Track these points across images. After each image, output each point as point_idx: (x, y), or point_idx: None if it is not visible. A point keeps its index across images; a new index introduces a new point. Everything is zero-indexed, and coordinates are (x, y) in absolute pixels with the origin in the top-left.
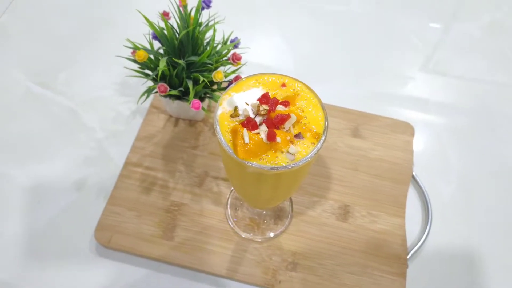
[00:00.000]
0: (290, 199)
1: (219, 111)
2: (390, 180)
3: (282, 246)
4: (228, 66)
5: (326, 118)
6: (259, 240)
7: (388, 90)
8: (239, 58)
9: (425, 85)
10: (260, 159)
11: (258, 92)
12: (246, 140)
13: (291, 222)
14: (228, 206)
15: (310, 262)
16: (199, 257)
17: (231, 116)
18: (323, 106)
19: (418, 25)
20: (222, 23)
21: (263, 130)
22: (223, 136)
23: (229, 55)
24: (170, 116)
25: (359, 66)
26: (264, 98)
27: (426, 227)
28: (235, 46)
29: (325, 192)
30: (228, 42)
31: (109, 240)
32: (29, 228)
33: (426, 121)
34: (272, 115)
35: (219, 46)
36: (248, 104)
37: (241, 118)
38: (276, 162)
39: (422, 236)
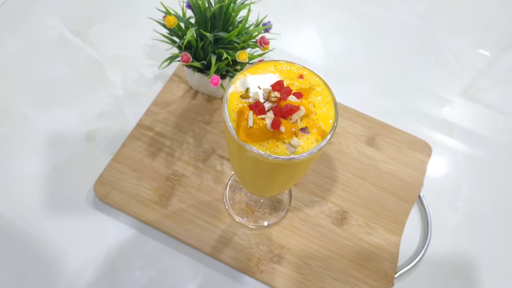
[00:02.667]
0: (290, 193)
1: (231, 90)
2: (395, 196)
3: (272, 237)
4: (256, 49)
5: (336, 118)
6: (251, 226)
7: (414, 106)
8: (266, 43)
9: (455, 108)
10: (260, 145)
11: (274, 78)
12: (250, 123)
13: (286, 215)
14: (227, 187)
15: (296, 259)
16: (188, 229)
17: (241, 96)
18: (336, 106)
19: (464, 49)
20: (258, 4)
21: (269, 116)
22: (229, 115)
23: (258, 38)
24: (191, 88)
25: (390, 76)
26: (278, 85)
27: (421, 250)
28: (266, 30)
29: (326, 193)
30: (260, 26)
31: (106, 194)
32: (36, 170)
33: (446, 144)
34: (282, 104)
35: (251, 27)
36: (260, 88)
37: (250, 100)
38: (275, 151)
39: (415, 259)
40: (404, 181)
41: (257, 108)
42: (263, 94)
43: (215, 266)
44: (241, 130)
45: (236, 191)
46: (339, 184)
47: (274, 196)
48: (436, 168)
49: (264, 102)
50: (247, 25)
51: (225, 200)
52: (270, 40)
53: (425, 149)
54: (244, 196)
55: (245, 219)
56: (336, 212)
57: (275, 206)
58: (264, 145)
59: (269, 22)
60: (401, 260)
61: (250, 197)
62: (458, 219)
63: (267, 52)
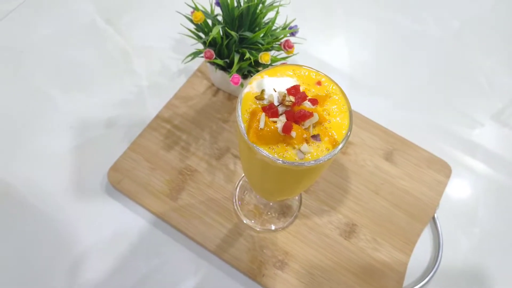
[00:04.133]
0: (300, 200)
1: (246, 89)
2: (408, 215)
3: (277, 242)
4: (281, 52)
5: (349, 128)
6: (258, 229)
7: (438, 123)
8: (290, 46)
9: (480, 130)
10: (269, 148)
11: (291, 82)
12: (261, 125)
13: (294, 222)
14: (238, 187)
15: (299, 267)
16: (194, 225)
17: (256, 97)
18: (351, 116)
19: (495, 71)
20: (286, 6)
21: (281, 120)
22: (242, 115)
23: (282, 41)
24: (212, 85)
25: (415, 91)
26: (294, 90)
27: (429, 273)
28: (292, 34)
29: (337, 204)
30: (287, 29)
31: (119, 182)
32: (55, 150)
33: (467, 166)
34: (296, 109)
35: (278, 30)
36: (275, 91)
37: (265, 102)
38: (284, 156)
39: (422, 281)
40: (419, 200)
41: (270, 110)
42: (278, 97)
43: (217, 264)
44: (251, 131)
45: (246, 192)
46: (351, 196)
47: (283, 201)
48: (454, 190)
49: (278, 105)
50: (273, 27)
51: (234, 200)
52: (295, 45)
53: (444, 169)
54: (254, 198)
55: (252, 221)
56: (345, 224)
57: (284, 211)
58: (273, 149)
59: (296, 26)
60: (407, 280)
61: (259, 199)
62: (472, 245)
63: (291, 56)
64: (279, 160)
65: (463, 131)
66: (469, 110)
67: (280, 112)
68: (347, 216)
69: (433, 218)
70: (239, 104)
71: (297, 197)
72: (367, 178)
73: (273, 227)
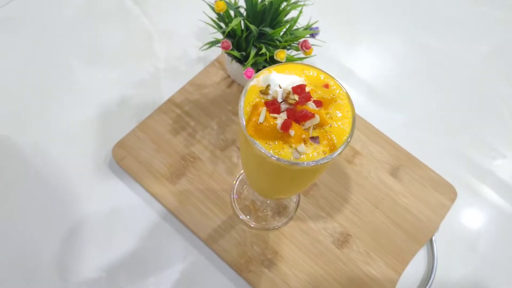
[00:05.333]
0: (298, 202)
1: (252, 83)
2: (406, 233)
3: (268, 240)
4: (299, 52)
5: (350, 135)
6: (251, 225)
7: (450, 146)
8: (308, 47)
9: (493, 158)
10: (266, 143)
11: (298, 81)
12: (261, 119)
13: (289, 223)
14: (238, 180)
15: (286, 268)
16: (189, 211)
17: (261, 92)
18: (354, 123)
19: None
20: (310, 8)
21: (281, 117)
22: (244, 107)
23: (300, 40)
24: (228, 76)
25: (432, 110)
26: (299, 89)
27: None
28: (312, 35)
29: (334, 212)
30: (308, 30)
31: (123, 158)
32: (66, 120)
33: (476, 193)
34: (298, 108)
35: (300, 29)
36: (280, 88)
37: (268, 97)
38: (279, 153)
39: None
40: (419, 220)
41: (272, 106)
42: (282, 94)
43: (206, 254)
44: (251, 124)
45: (245, 186)
46: (350, 206)
47: (280, 200)
48: (457, 215)
49: (281, 102)
50: (295, 27)
51: (232, 193)
52: (314, 47)
53: (450, 193)
54: (252, 193)
55: (247, 216)
56: (339, 233)
57: (280, 211)
58: (270, 144)
59: (317, 28)
60: None
61: (257, 195)
62: (466, 273)
63: (308, 57)
64: (273, 156)
65: (475, 157)
66: (484, 137)
67: (282, 109)
68: (342, 225)
69: (431, 240)
70: (243, 95)
71: (294, 199)
72: (369, 191)
73: (266, 225)
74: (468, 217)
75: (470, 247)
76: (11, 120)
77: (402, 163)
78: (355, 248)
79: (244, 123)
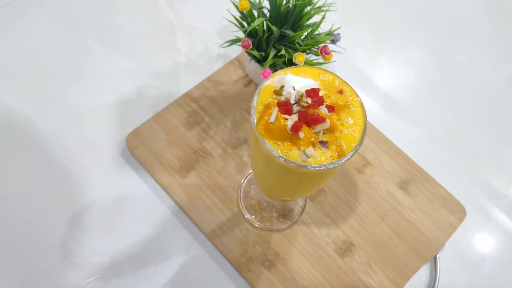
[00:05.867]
0: (304, 206)
1: (267, 82)
2: (410, 248)
3: (271, 242)
4: (318, 57)
5: (360, 143)
6: (256, 224)
7: (463, 164)
8: (327, 53)
9: (507, 180)
10: (275, 143)
11: (312, 84)
12: (272, 118)
13: (293, 227)
14: (246, 179)
15: (286, 271)
16: (196, 205)
17: (274, 92)
18: (365, 131)
19: None
20: (333, 13)
21: (292, 118)
22: (256, 106)
23: (320, 45)
24: (246, 75)
25: (450, 127)
26: (313, 92)
27: None
28: (333, 41)
29: (340, 220)
30: (330, 36)
31: (135, 147)
32: (83, 104)
33: (486, 214)
34: (310, 111)
35: (322, 34)
36: (294, 89)
37: (282, 98)
38: (287, 154)
39: None
40: (424, 237)
41: (284, 107)
42: (295, 96)
43: (208, 249)
44: (261, 123)
45: (252, 186)
46: (356, 216)
47: (286, 203)
48: (465, 235)
49: (294, 104)
50: (317, 32)
51: (239, 191)
52: (334, 53)
53: (459, 212)
54: (258, 193)
55: (252, 216)
56: (342, 242)
57: (285, 213)
58: (279, 145)
59: (338, 34)
60: None
61: (263, 196)
62: None
63: (326, 63)
64: (281, 157)
65: (490, 180)
66: (499, 158)
67: (293, 111)
68: (346, 234)
69: (435, 257)
70: (256, 94)
71: (300, 203)
72: (376, 202)
73: (270, 226)
74: (475, 239)
75: (475, 270)
76: (31, 100)
77: (412, 177)
78: (357, 258)
79: (255, 121)
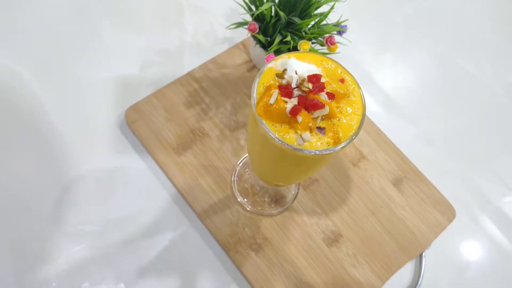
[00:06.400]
0: (296, 194)
1: (270, 65)
2: (397, 244)
3: (260, 226)
4: (323, 48)
5: (356, 133)
6: (247, 208)
7: (460, 169)
8: (333, 43)
9: (498, 188)
10: (273, 125)
11: (315, 70)
12: (272, 100)
13: (284, 213)
14: (241, 163)
15: (273, 256)
16: (189, 183)
17: (277, 75)
18: (363, 121)
19: None
20: (342, 4)
21: (292, 102)
22: (258, 87)
23: (326, 35)
24: (250, 60)
25: (449, 130)
26: (314, 78)
27: None
28: (339, 32)
29: (331, 210)
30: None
31: (134, 121)
32: (87, 76)
33: (475, 219)
34: (310, 96)
35: (328, 25)
36: (296, 74)
37: (283, 81)
38: (283, 137)
39: None
40: (412, 234)
41: (285, 90)
42: (297, 80)
43: (198, 227)
44: (261, 103)
45: (247, 169)
46: (347, 208)
47: (279, 188)
48: (452, 237)
49: (295, 88)
50: (324, 22)
51: (233, 173)
52: (340, 45)
53: (449, 213)
54: (252, 177)
55: (245, 199)
56: (331, 232)
57: (277, 199)
58: (276, 126)
59: (345, 26)
60: None
61: (257, 180)
62: None
63: (331, 54)
64: (277, 138)
65: (484, 187)
66: (499, 171)
67: (294, 95)
68: (336, 224)
69: (421, 255)
70: (258, 75)
71: (293, 191)
72: (368, 196)
73: (262, 211)
74: (462, 242)
75: (458, 271)
76: (35, 68)
77: (406, 175)
78: (344, 249)
79: (255, 102)
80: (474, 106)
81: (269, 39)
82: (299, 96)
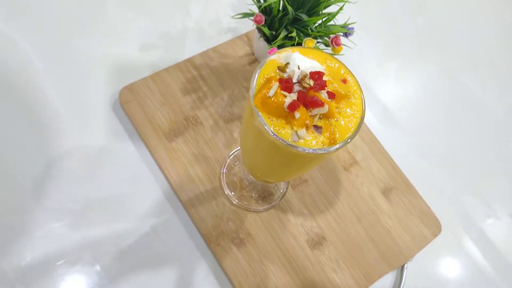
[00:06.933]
0: (284, 193)
1: (273, 57)
2: (380, 253)
3: (245, 221)
4: (328, 48)
5: (353, 136)
6: (234, 202)
7: (452, 186)
8: (338, 44)
9: (490, 218)
10: (269, 118)
11: (318, 68)
12: (271, 92)
13: (270, 210)
14: (232, 155)
15: (254, 252)
16: (177, 171)
17: (278, 68)
18: (361, 125)
19: None
20: (351, 4)
21: (291, 97)
22: (257, 79)
23: (332, 36)
24: (252, 54)
25: (448, 149)
26: (317, 75)
27: None
28: (345, 34)
29: (317, 212)
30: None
31: (128, 102)
32: (85, 51)
33: (459, 238)
34: (310, 93)
35: (338, 26)
36: (299, 69)
37: (284, 75)
38: (278, 131)
39: None
40: (396, 245)
41: (285, 83)
42: (298, 75)
43: (182, 217)
44: (259, 95)
45: (237, 163)
46: (333, 212)
47: (267, 185)
48: (435, 252)
49: (296, 83)
50: (331, 22)
51: (223, 166)
52: (344, 47)
53: (434, 228)
54: (242, 172)
55: (232, 193)
56: (315, 234)
57: (265, 196)
58: (272, 120)
59: (352, 28)
60: None
61: (246, 175)
62: None
63: (335, 55)
64: (272, 132)
65: (471, 206)
66: (488, 194)
67: (294, 90)
68: (321, 227)
69: (402, 266)
70: (260, 67)
71: (281, 189)
72: (356, 202)
73: (248, 206)
74: (444, 258)
75: (438, 287)
76: (34, 38)
77: (397, 185)
78: (326, 252)
79: (253, 93)
80: (472, 126)
81: (274, 33)
82: (299, 92)
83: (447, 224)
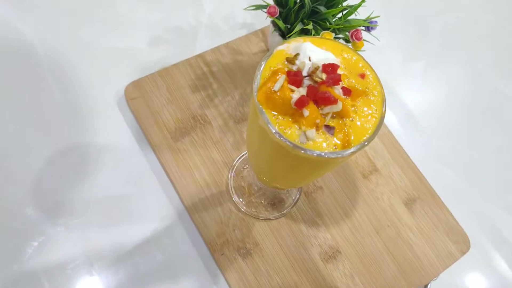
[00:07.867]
0: (296, 200)
1: (281, 47)
2: (400, 270)
3: (252, 229)
4: (348, 44)
5: (371, 139)
6: (241, 208)
7: (481, 199)
8: (359, 38)
9: None
10: (274, 116)
11: (332, 60)
12: (277, 86)
13: (280, 219)
14: (241, 158)
15: (261, 263)
16: (181, 173)
17: (287, 59)
18: (379, 126)
19: None
20: (375, 4)
21: (300, 92)
22: (263, 70)
23: (352, 29)
24: (267, 50)
25: (476, 158)
26: (330, 68)
27: None
28: (367, 28)
29: (332, 223)
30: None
31: (133, 98)
32: (94, 42)
33: (489, 256)
34: (322, 89)
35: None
36: (310, 60)
37: (293, 67)
38: (284, 131)
39: None
40: (419, 261)
41: (293, 76)
42: (309, 67)
43: (185, 222)
44: (264, 89)
45: (246, 166)
46: (350, 223)
47: (278, 192)
48: (463, 270)
49: (306, 76)
50: (352, 16)
51: (231, 169)
52: (366, 43)
53: (463, 244)
54: (251, 176)
55: (240, 199)
56: (329, 246)
57: (275, 203)
58: (277, 118)
59: (375, 22)
60: None
61: (256, 180)
62: None
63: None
64: (277, 132)
65: (502, 222)
66: None
67: (303, 84)
68: (335, 239)
69: (425, 286)
70: (266, 57)
71: (294, 196)
72: (375, 213)
73: (256, 213)
74: (473, 279)
75: None
76: (42, 27)
77: (421, 196)
78: (340, 267)
79: (257, 87)
80: (503, 133)
81: (289, 26)
82: (309, 86)
83: (476, 240)
